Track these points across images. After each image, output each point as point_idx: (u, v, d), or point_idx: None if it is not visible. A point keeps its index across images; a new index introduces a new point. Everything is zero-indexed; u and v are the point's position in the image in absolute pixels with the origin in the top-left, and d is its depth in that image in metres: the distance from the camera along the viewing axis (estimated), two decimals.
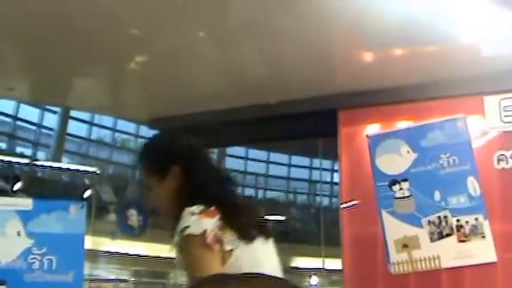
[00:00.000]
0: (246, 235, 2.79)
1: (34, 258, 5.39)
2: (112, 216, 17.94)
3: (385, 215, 6.11)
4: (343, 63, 6.13)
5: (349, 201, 6.62)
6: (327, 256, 13.08)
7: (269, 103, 6.98)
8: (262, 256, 2.84)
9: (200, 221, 2.72)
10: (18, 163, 20.02)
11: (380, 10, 4.98)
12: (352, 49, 5.86)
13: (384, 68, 6.12)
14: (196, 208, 2.75)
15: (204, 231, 2.70)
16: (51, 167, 20.91)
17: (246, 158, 26.64)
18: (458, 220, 5.86)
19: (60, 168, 21.29)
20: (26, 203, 5.64)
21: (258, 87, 6.74)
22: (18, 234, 5.43)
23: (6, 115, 21.18)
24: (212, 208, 2.76)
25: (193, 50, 6.08)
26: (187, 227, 2.72)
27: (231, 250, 2.74)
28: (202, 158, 3.01)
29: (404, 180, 6.02)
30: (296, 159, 27.19)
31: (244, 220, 2.84)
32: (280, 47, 5.81)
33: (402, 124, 6.38)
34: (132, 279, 23.14)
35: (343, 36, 5.58)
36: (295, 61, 6.02)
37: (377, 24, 5.18)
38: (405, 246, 6.00)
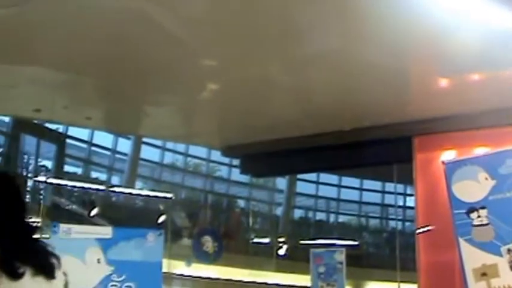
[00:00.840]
0: (10, 271, 2.91)
1: (114, 285, 5.50)
2: (185, 241, 18.12)
3: (463, 243, 5.97)
4: (418, 90, 6.07)
5: (425, 227, 6.54)
6: (402, 281, 12.92)
7: (343, 130, 6.98)
8: None
9: None
10: (94, 189, 20.47)
11: (456, 35, 4.91)
12: (427, 75, 5.81)
13: (460, 93, 6.04)
14: None
15: None
16: (128, 193, 21.29)
17: (317, 182, 26.55)
18: None
19: (136, 194, 21.68)
20: (106, 231, 5.76)
21: (331, 115, 6.74)
22: (98, 261, 5.55)
23: (82, 141, 21.71)
24: None
25: (267, 79, 6.13)
26: None
27: None
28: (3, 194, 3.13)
29: (483, 207, 5.88)
30: (368, 183, 26.95)
31: (13, 258, 2.94)
32: (355, 75, 5.80)
33: (479, 150, 6.26)
34: None
35: (418, 63, 5.53)
36: (370, 88, 6.00)
37: (453, 49, 5.12)
38: (484, 274, 5.85)
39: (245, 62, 5.82)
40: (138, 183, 23.50)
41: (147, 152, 23.26)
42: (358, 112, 6.59)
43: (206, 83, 6.49)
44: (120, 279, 5.50)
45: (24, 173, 19.67)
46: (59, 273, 3.06)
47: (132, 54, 5.69)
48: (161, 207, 19.53)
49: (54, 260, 3.10)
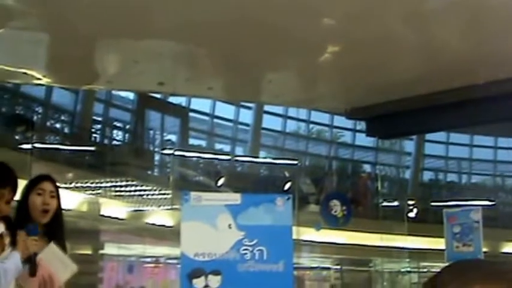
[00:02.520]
0: None
1: (246, 249, 5.53)
2: (312, 207, 18.09)
3: None
4: None
5: None
6: None
7: (475, 84, 6.62)
8: None
9: None
10: (219, 159, 20.89)
11: None
12: None
13: None
14: None
15: None
16: (254, 162, 21.57)
17: (446, 143, 25.73)
18: None
19: (262, 162, 21.95)
20: (235, 197, 5.79)
21: (461, 69, 6.41)
22: (230, 227, 5.59)
23: (204, 113, 22.09)
24: None
25: (391, 36, 5.91)
26: None
27: None
28: None
29: None
30: (502, 141, 25.83)
31: None
32: (487, 25, 5.47)
33: None
34: (334, 267, 23.35)
35: None
36: (504, 38, 5.64)
37: None
38: None
39: (367, 20, 5.62)
40: (262, 153, 23.69)
41: (269, 121, 23.38)
42: (492, 64, 6.22)
43: (327, 44, 6.34)
44: (251, 243, 5.50)
45: (151, 148, 20.30)
46: None
47: (251, 19, 5.64)
48: (287, 174, 19.62)
49: None
